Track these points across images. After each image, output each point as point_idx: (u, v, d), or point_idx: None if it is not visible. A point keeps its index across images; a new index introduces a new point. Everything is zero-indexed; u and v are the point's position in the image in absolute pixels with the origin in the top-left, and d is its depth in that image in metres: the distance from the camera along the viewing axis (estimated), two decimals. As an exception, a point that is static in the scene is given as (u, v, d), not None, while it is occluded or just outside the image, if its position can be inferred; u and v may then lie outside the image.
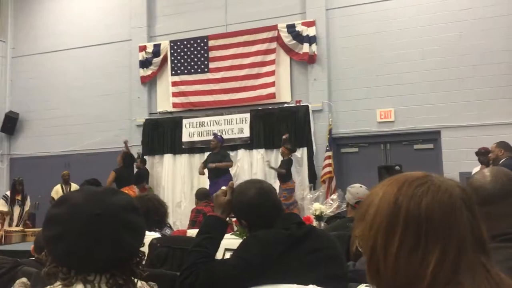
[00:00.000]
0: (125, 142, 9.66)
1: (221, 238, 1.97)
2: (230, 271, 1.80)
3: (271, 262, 1.79)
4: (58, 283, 1.22)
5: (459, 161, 8.17)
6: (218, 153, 8.89)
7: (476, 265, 0.88)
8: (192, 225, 5.19)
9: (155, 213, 3.87)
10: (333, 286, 1.74)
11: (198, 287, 1.78)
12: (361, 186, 3.91)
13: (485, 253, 0.92)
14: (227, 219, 2.08)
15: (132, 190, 8.94)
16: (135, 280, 1.30)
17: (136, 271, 1.29)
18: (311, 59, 9.37)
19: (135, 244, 1.28)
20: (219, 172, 8.65)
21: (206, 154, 9.40)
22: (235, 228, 3.42)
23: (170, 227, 4.53)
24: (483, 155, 6.96)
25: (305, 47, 9.38)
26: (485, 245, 0.92)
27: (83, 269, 1.21)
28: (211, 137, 9.73)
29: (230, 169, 9.03)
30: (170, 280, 2.12)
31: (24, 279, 1.30)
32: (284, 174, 8.45)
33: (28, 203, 9.37)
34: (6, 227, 8.77)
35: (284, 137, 8.80)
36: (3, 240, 8.22)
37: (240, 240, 2.93)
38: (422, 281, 0.86)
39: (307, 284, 1.71)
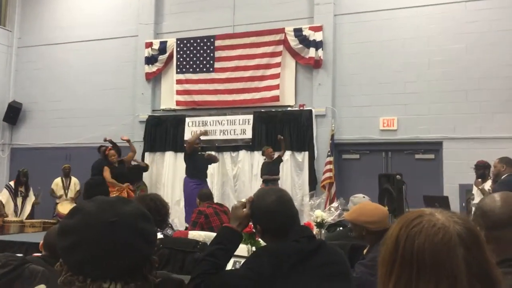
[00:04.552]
0: (128, 140, 9.58)
1: (234, 250, 1.98)
2: (240, 282, 1.81)
3: (281, 275, 1.80)
4: (75, 292, 1.23)
5: (459, 173, 8.19)
6: (203, 155, 8.93)
7: None
8: (193, 226, 5.21)
9: (157, 213, 3.88)
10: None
11: (207, 297, 1.80)
12: (364, 197, 3.93)
13: (491, 286, 0.94)
14: None
15: (128, 189, 8.94)
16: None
17: (149, 278, 1.31)
18: (316, 63, 9.39)
19: (148, 251, 1.30)
20: (205, 173, 8.70)
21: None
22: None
23: (171, 227, 4.55)
24: (480, 168, 6.99)
25: (311, 52, 9.40)
26: (491, 279, 0.94)
27: (99, 277, 1.23)
28: (213, 137, 9.79)
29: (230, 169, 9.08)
30: (177, 285, 2.13)
31: (42, 286, 1.30)
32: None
33: (31, 194, 9.39)
34: (11, 217, 8.80)
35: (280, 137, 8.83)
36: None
37: (246, 246, 2.96)
38: None
39: (315, 299, 1.73)
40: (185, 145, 9.13)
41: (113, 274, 1.23)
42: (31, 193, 9.41)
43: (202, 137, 9.10)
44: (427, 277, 0.91)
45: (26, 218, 8.96)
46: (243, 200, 2.07)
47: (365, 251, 3.19)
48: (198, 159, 8.71)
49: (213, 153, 8.97)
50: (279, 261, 1.83)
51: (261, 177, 8.73)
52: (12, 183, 9.33)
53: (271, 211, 1.98)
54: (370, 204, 3.42)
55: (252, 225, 2.07)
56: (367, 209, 3.15)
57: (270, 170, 8.63)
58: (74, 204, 9.49)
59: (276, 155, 8.77)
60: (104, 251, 1.21)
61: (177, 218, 9.56)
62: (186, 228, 6.55)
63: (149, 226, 1.32)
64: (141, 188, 9.33)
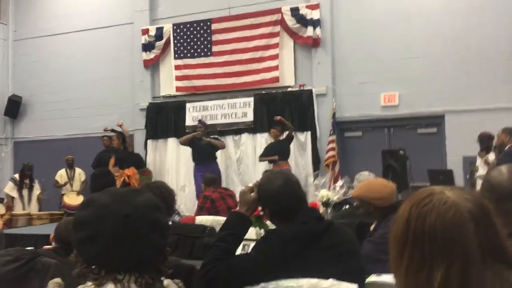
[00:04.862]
0: (120, 125, 9.54)
1: (244, 234, 2.00)
2: (251, 265, 1.83)
3: (291, 257, 1.82)
4: (90, 283, 1.25)
5: (462, 145, 8.17)
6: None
7: (489, 276, 0.91)
8: (199, 210, 5.27)
9: (163, 201, 3.91)
10: (351, 280, 1.78)
11: (220, 282, 1.81)
12: (369, 174, 3.94)
13: (505, 261, 0.94)
14: None
15: (132, 172, 8.99)
16: (162, 278, 1.33)
17: (163, 269, 1.32)
18: (315, 42, 9.31)
19: (162, 243, 1.31)
20: (208, 157, 8.63)
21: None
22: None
23: (178, 213, 4.58)
24: (484, 140, 6.97)
25: (309, 31, 9.32)
26: (504, 254, 0.95)
27: (113, 268, 1.24)
28: (214, 122, 9.79)
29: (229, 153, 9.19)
30: (188, 271, 2.16)
31: (58, 280, 1.33)
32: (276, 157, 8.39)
33: (37, 186, 9.44)
34: (19, 211, 8.87)
35: (278, 118, 8.66)
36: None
37: (254, 229, 2.98)
38: None
39: (326, 279, 1.75)
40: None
41: (127, 266, 1.24)
42: (36, 185, 9.46)
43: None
44: (440, 255, 0.91)
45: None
46: (250, 184, 2.08)
47: (371, 227, 3.20)
48: (199, 144, 8.73)
49: (208, 139, 8.80)
50: (288, 244, 1.84)
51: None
52: (17, 176, 9.39)
53: (278, 194, 1.99)
54: (377, 180, 3.41)
55: (260, 209, 2.08)
56: (374, 185, 3.13)
57: (267, 151, 8.58)
58: (81, 195, 9.58)
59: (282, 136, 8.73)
60: (118, 243, 1.22)
61: (183, 204, 9.60)
62: None
63: (162, 217, 1.33)
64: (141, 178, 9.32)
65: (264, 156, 8.62)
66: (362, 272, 1.96)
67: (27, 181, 9.25)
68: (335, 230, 1.95)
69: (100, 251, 1.22)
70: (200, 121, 9.25)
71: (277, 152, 8.43)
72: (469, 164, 7.90)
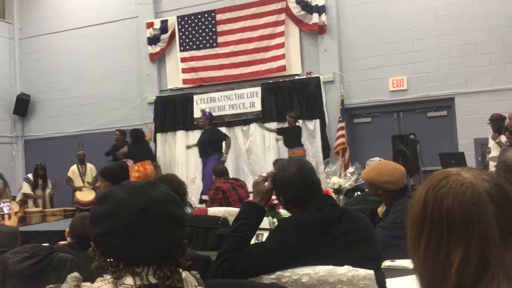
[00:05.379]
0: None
1: (258, 224, 2.00)
2: (267, 254, 1.83)
3: (306, 245, 1.82)
4: (108, 276, 1.25)
5: (473, 128, 8.14)
6: (209, 131, 8.85)
7: (509, 257, 0.89)
8: (212, 202, 5.28)
9: (175, 193, 3.92)
10: (366, 267, 1.77)
11: (236, 271, 1.81)
12: (380, 160, 3.91)
13: None
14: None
15: (144, 166, 9.03)
16: (180, 270, 1.34)
17: (181, 262, 1.32)
18: (321, 29, 9.25)
19: (179, 236, 1.30)
20: (211, 150, 8.67)
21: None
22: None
23: (190, 205, 4.60)
24: (496, 122, 6.91)
25: (315, 17, 9.25)
26: None
27: (131, 262, 1.24)
28: (222, 113, 9.79)
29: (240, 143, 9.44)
30: (204, 262, 2.17)
31: (76, 274, 1.32)
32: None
33: (49, 185, 9.54)
34: (32, 208, 8.97)
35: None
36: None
37: (266, 219, 2.98)
38: (448, 281, 0.89)
39: (342, 266, 1.74)
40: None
41: (145, 259, 1.24)
42: (49, 184, 9.56)
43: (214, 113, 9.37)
44: (458, 237, 0.90)
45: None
46: (264, 174, 2.07)
47: (378, 210, 3.15)
48: (200, 137, 8.86)
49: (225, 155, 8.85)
50: (304, 231, 1.84)
51: None
52: (30, 176, 9.46)
53: (292, 181, 1.98)
54: (387, 163, 3.33)
55: (275, 197, 2.08)
56: (385, 168, 3.05)
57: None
58: (92, 191, 9.65)
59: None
60: (135, 237, 1.22)
61: (194, 196, 9.64)
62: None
63: (178, 210, 1.33)
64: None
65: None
66: (378, 258, 1.95)
67: (41, 181, 9.34)
68: (350, 217, 1.94)
69: (118, 245, 1.22)
70: (202, 111, 9.27)
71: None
72: (481, 146, 7.85)
